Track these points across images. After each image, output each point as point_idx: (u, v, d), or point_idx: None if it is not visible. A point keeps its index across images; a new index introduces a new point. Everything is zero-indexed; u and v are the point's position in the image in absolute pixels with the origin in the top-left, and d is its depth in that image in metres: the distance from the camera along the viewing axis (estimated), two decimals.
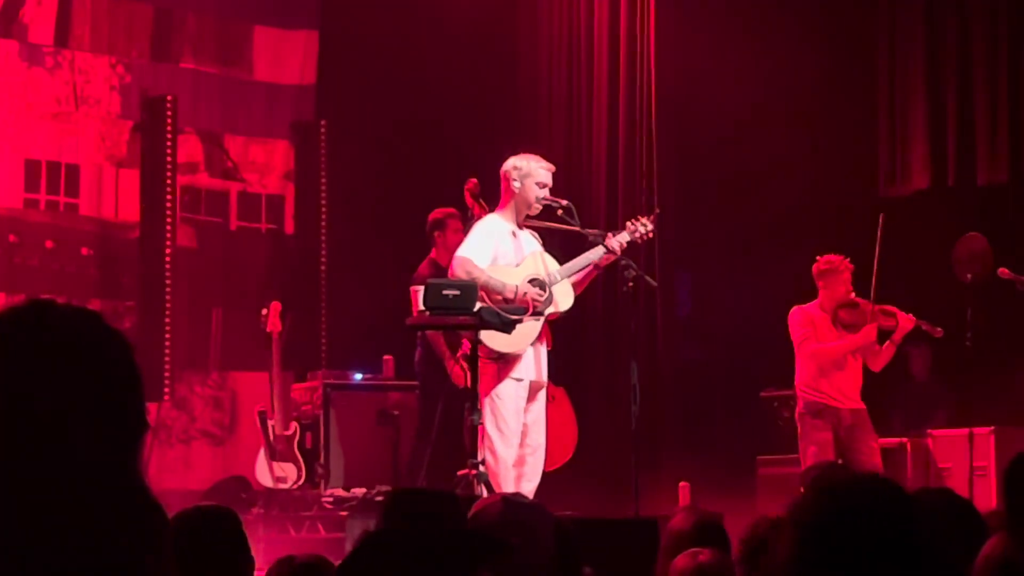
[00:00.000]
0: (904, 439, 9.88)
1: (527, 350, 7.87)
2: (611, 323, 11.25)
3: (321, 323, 11.92)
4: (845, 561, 2.01)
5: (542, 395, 8.01)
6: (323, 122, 12.22)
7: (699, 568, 3.83)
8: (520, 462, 7.86)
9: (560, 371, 9.33)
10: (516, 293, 7.80)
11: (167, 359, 10.85)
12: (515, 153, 8.18)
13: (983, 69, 10.65)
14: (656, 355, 11.18)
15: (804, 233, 10.45)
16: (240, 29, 12.30)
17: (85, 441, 1.87)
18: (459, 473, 8.21)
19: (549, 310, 7.98)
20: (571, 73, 11.97)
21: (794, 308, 9.10)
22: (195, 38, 12.05)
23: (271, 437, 10.24)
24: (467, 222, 8.60)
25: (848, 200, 10.54)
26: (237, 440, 11.77)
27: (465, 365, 7.97)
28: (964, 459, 9.40)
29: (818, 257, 9.11)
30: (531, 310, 7.80)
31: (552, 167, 8.13)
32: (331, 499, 10.10)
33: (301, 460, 10.25)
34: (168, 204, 11.04)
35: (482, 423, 7.69)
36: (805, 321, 9.02)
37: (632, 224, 8.34)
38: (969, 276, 9.62)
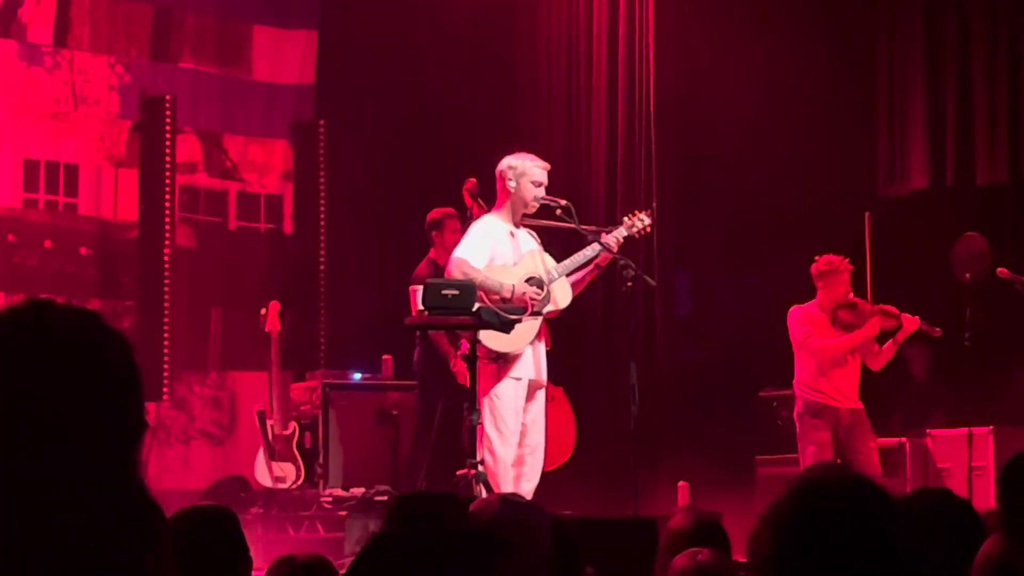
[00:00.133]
0: (903, 439, 9.89)
1: (526, 349, 7.87)
2: (610, 323, 11.25)
3: (320, 323, 11.92)
4: (820, 562, 2.01)
5: (541, 394, 8.01)
6: (322, 122, 12.22)
7: (699, 568, 3.83)
8: (519, 462, 7.86)
9: (559, 371, 9.33)
10: (513, 293, 7.80)
11: (166, 359, 10.85)
12: (513, 152, 8.18)
13: (982, 69, 10.65)
14: (655, 355, 11.18)
15: (803, 233, 10.45)
16: (239, 29, 12.31)
17: (84, 441, 1.87)
18: (458, 473, 8.22)
19: (548, 308, 7.98)
20: (570, 72, 11.97)
21: (793, 308, 9.10)
22: (194, 38, 12.05)
23: (270, 437, 10.24)
24: (465, 222, 8.60)
25: (847, 200, 10.53)
26: (236, 440, 11.77)
27: (464, 364, 7.97)
28: (963, 459, 9.40)
29: (817, 257, 9.11)
30: (530, 309, 7.80)
31: (547, 165, 8.12)
32: (330, 499, 10.10)
33: (300, 460, 10.25)
34: (167, 204, 11.04)
35: (481, 423, 7.69)
36: (805, 320, 9.02)
37: (629, 219, 8.33)
38: (968, 276, 9.62)
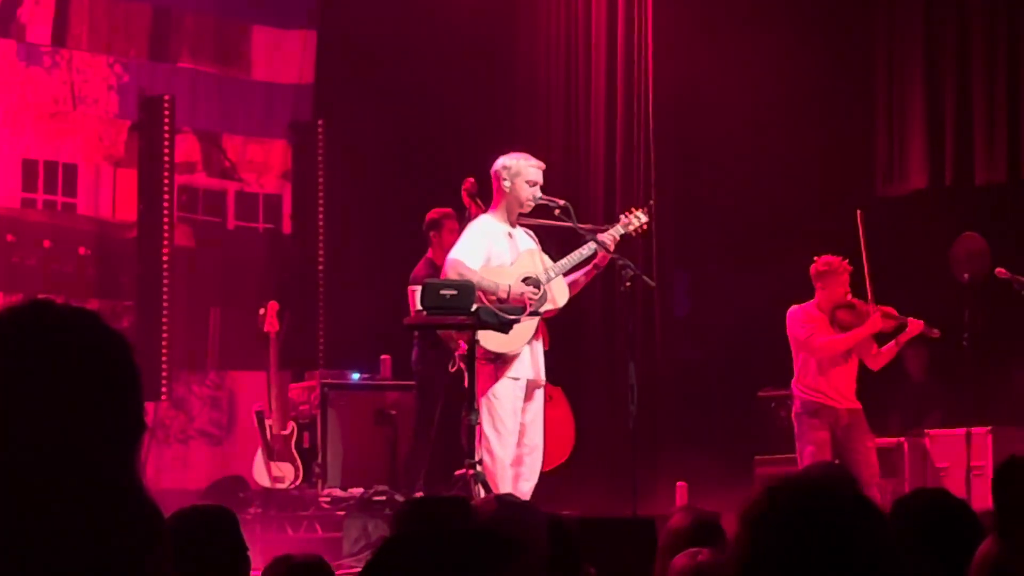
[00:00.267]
0: (901, 439, 9.89)
1: (523, 349, 7.87)
2: (609, 323, 11.25)
3: (319, 323, 11.92)
4: (793, 561, 2.01)
5: (539, 394, 8.00)
6: (321, 122, 12.21)
7: (698, 568, 3.83)
8: (518, 462, 7.86)
9: (558, 371, 9.33)
10: (509, 293, 7.80)
11: (165, 359, 10.84)
12: (509, 152, 8.17)
13: (981, 69, 10.66)
14: (654, 355, 11.18)
15: (802, 233, 10.45)
16: (238, 29, 12.30)
17: (84, 441, 1.87)
18: (456, 473, 8.21)
19: (546, 307, 7.98)
20: (569, 72, 11.97)
21: (792, 308, 9.10)
22: (193, 38, 12.04)
23: (269, 437, 10.24)
24: (464, 222, 8.59)
25: (846, 200, 10.53)
26: (235, 440, 11.77)
27: (463, 365, 7.97)
28: (961, 459, 9.41)
29: (816, 258, 9.11)
30: (528, 309, 7.80)
31: (542, 165, 8.11)
32: (328, 499, 10.10)
33: (298, 460, 10.25)
34: (166, 204, 11.03)
35: (479, 423, 7.69)
36: (806, 319, 9.02)
37: (625, 217, 8.33)
38: (967, 276, 9.63)
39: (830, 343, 8.94)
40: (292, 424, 10.38)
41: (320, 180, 12.08)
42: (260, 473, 10.19)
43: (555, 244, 8.41)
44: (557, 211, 8.01)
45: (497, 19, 12.01)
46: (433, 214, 9.77)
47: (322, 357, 11.75)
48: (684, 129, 11.45)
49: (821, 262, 9.05)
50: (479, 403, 7.73)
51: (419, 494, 9.56)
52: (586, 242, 8.08)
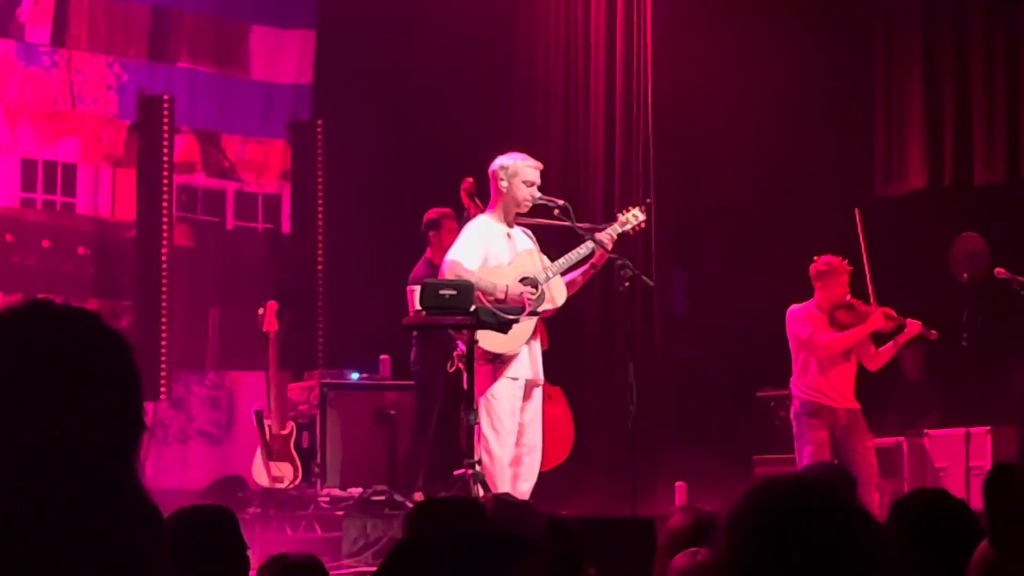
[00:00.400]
0: (900, 439, 9.89)
1: (521, 349, 7.87)
2: (608, 323, 11.25)
3: (318, 322, 11.92)
4: (773, 563, 2.01)
5: (538, 394, 8.01)
6: (320, 121, 12.21)
7: (698, 568, 3.83)
8: (516, 461, 7.86)
9: (557, 370, 9.33)
10: (507, 293, 7.80)
11: (164, 358, 10.84)
12: (507, 152, 8.17)
13: (980, 69, 10.66)
14: (653, 355, 11.18)
15: (801, 233, 10.45)
16: (237, 29, 12.30)
17: (83, 441, 1.87)
18: (456, 473, 8.21)
19: (545, 307, 7.98)
20: (568, 72, 11.97)
21: (792, 307, 9.10)
22: (192, 37, 12.04)
23: (268, 436, 10.24)
24: (463, 222, 8.59)
25: (845, 200, 10.53)
26: (234, 439, 11.77)
27: (461, 366, 7.97)
28: (960, 459, 9.41)
29: (816, 257, 9.10)
30: (527, 309, 7.80)
31: (540, 165, 8.12)
32: (328, 499, 10.10)
33: (298, 460, 10.25)
34: (165, 203, 11.03)
35: (478, 423, 7.69)
36: (807, 317, 9.02)
37: (623, 215, 8.33)
38: (966, 276, 9.64)
39: (833, 341, 8.94)
40: (291, 424, 10.38)
41: (319, 180, 12.08)
42: (259, 473, 10.19)
43: (554, 244, 8.42)
44: (556, 211, 8.02)
45: (496, 19, 12.00)
46: (432, 214, 9.77)
47: (321, 357, 11.75)
48: (683, 129, 11.45)
49: (821, 262, 9.05)
50: (477, 403, 7.73)
51: (418, 494, 9.58)
52: (584, 241, 8.08)
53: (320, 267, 11.99)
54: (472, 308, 7.55)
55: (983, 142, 10.63)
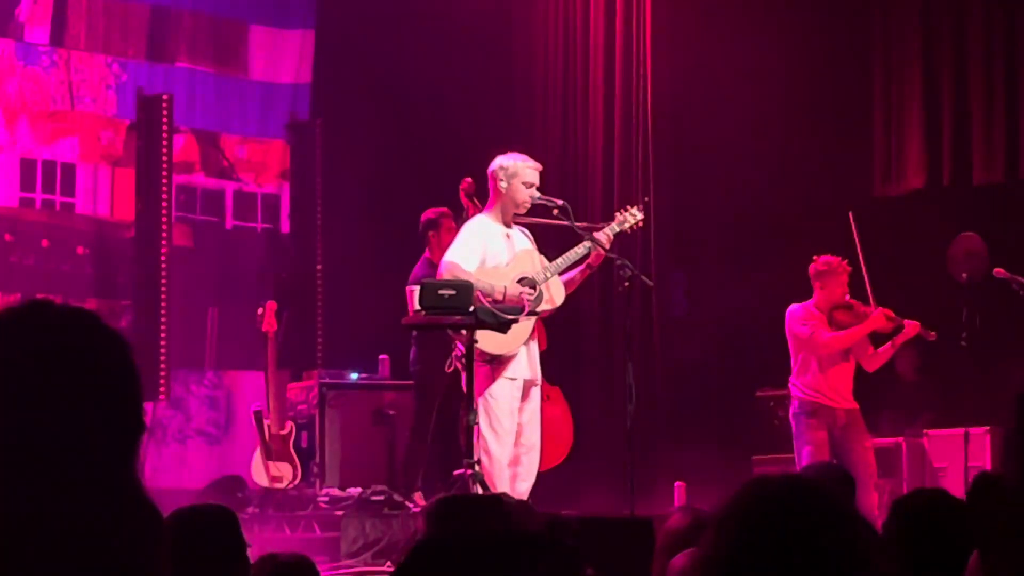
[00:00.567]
0: (900, 439, 9.89)
1: (520, 349, 7.88)
2: (607, 322, 11.26)
3: (317, 322, 11.91)
4: (763, 561, 2.00)
5: (536, 393, 8.01)
6: (319, 121, 12.21)
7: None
8: (515, 461, 7.87)
9: (556, 370, 9.33)
10: (505, 294, 7.80)
11: (163, 358, 10.83)
12: (507, 152, 8.17)
13: (979, 69, 10.66)
14: (652, 354, 11.18)
15: (800, 233, 10.45)
16: (236, 28, 12.30)
17: (82, 441, 1.87)
18: (455, 473, 8.22)
19: (543, 307, 7.99)
20: (567, 71, 11.97)
21: (792, 307, 9.09)
22: (191, 37, 12.04)
23: (267, 436, 10.24)
24: (461, 222, 8.59)
25: (844, 200, 10.53)
26: (233, 439, 11.77)
27: (459, 366, 7.97)
28: (959, 459, 9.41)
29: (815, 257, 9.10)
30: (526, 309, 7.80)
31: (539, 166, 8.12)
32: (327, 498, 10.10)
33: (297, 459, 10.25)
34: (164, 203, 11.03)
35: (477, 423, 7.69)
36: (806, 317, 9.02)
37: (620, 214, 8.33)
38: (965, 276, 9.64)
39: (834, 340, 8.94)
40: (290, 424, 10.38)
41: (318, 180, 12.07)
42: (258, 473, 10.19)
43: (553, 244, 8.41)
44: (555, 211, 8.02)
45: (495, 18, 12.01)
46: (430, 214, 9.77)
47: (320, 357, 11.75)
48: (682, 129, 11.45)
49: (820, 262, 9.05)
50: (476, 403, 7.73)
51: (417, 494, 9.59)
52: (583, 241, 8.09)
53: (319, 267, 11.99)
54: (471, 308, 7.55)
55: (982, 142, 10.64)
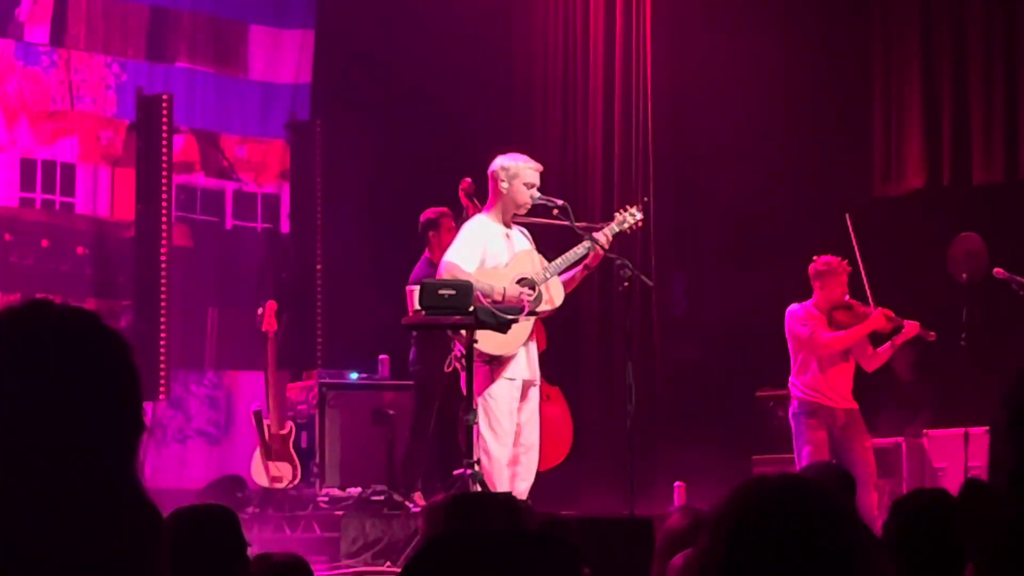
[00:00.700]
0: (899, 439, 9.89)
1: (519, 350, 7.88)
2: (607, 322, 11.26)
3: (317, 322, 11.92)
4: (759, 561, 2.00)
5: (534, 393, 8.01)
6: (319, 121, 12.21)
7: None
8: (514, 461, 7.87)
9: (556, 370, 9.33)
10: (504, 295, 7.80)
11: (163, 358, 10.83)
12: (507, 152, 8.17)
13: (979, 69, 10.66)
14: (652, 354, 11.18)
15: (799, 233, 10.46)
16: (236, 28, 12.30)
17: (82, 441, 1.87)
18: (455, 473, 8.22)
19: (543, 307, 7.99)
20: (567, 71, 11.97)
21: (792, 307, 9.09)
22: (191, 37, 12.04)
23: (267, 436, 10.24)
24: (461, 221, 8.59)
25: (844, 200, 10.54)
26: (233, 439, 11.77)
27: (458, 366, 7.97)
28: (959, 459, 9.41)
29: (815, 257, 9.10)
30: (525, 310, 7.80)
31: (540, 167, 8.13)
32: (327, 498, 10.10)
33: (296, 459, 10.25)
34: (164, 203, 11.03)
35: (476, 423, 7.69)
36: (806, 317, 9.02)
37: (620, 214, 8.34)
38: (964, 276, 9.64)
39: (834, 339, 8.94)
40: (290, 424, 10.38)
41: (318, 180, 12.08)
42: (258, 473, 10.19)
43: (553, 244, 8.41)
44: (555, 211, 8.02)
45: (495, 18, 12.00)
46: (429, 214, 9.77)
47: (320, 357, 11.75)
48: (682, 129, 11.46)
49: (820, 262, 9.05)
50: (476, 403, 7.73)
51: (417, 494, 9.59)
52: (582, 241, 8.08)
53: (319, 267, 11.99)
54: (471, 308, 7.55)
55: (981, 142, 10.64)
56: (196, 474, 11.34)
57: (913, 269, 10.45)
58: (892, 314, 9.01)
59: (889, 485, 9.46)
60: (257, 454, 10.22)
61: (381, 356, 10.92)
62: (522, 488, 7.79)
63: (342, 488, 10.18)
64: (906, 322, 8.98)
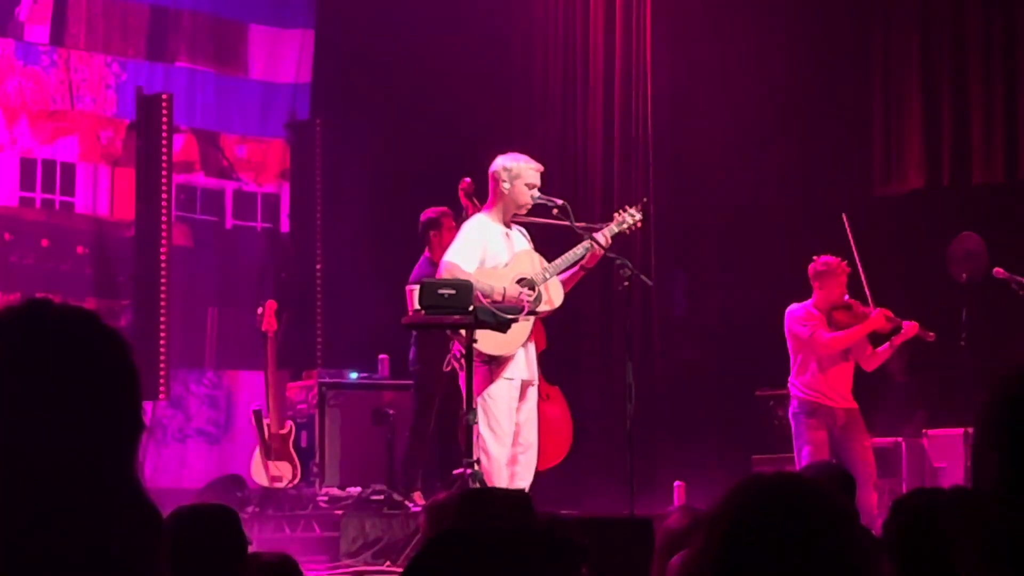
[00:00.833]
0: (899, 438, 9.89)
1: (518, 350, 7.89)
2: (606, 322, 11.26)
3: (316, 322, 11.92)
4: (756, 560, 2.00)
5: (532, 393, 8.02)
6: (319, 121, 12.21)
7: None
8: (513, 461, 7.88)
9: (555, 370, 9.33)
10: (504, 295, 7.80)
11: (162, 358, 10.83)
12: (507, 152, 8.17)
13: (978, 68, 10.67)
14: (651, 354, 11.18)
15: (799, 232, 10.46)
16: (236, 28, 12.30)
17: (81, 441, 1.87)
18: (454, 472, 8.22)
19: (542, 308, 7.99)
20: (567, 71, 11.97)
21: (791, 307, 9.10)
22: (191, 37, 12.04)
23: (266, 436, 10.24)
24: (460, 221, 8.59)
25: (844, 200, 10.55)
26: (232, 439, 11.77)
27: (456, 365, 7.98)
28: (959, 459, 9.41)
29: (815, 257, 9.10)
30: (525, 309, 7.81)
31: (540, 167, 8.13)
32: (326, 498, 10.10)
33: (296, 459, 10.25)
34: (164, 203, 11.02)
35: (476, 423, 7.70)
36: (806, 317, 9.02)
37: (619, 215, 8.34)
38: (964, 275, 9.64)
39: (834, 340, 8.94)
40: (290, 423, 10.38)
41: (318, 179, 12.08)
42: (258, 472, 10.19)
43: (552, 244, 8.41)
44: (555, 211, 8.02)
45: (495, 18, 12.00)
46: (430, 213, 9.77)
47: (320, 356, 11.75)
48: (682, 129, 11.45)
49: (820, 262, 9.05)
50: (474, 403, 7.73)
51: (417, 493, 9.59)
52: (582, 241, 8.08)
53: (319, 266, 12.00)
54: (471, 308, 7.55)
55: (981, 142, 10.64)
56: (196, 474, 11.34)
57: (913, 269, 10.46)
58: (892, 314, 9.01)
59: (889, 485, 9.45)
60: (257, 453, 10.22)
61: (381, 356, 10.92)
62: (521, 488, 7.79)
63: (342, 488, 10.18)
64: (905, 322, 8.98)
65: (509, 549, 1.93)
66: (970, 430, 9.39)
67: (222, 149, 12.20)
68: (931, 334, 9.07)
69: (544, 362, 8.19)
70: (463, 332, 7.67)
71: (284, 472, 10.19)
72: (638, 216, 8.34)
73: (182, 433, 11.71)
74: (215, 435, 11.89)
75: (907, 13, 10.99)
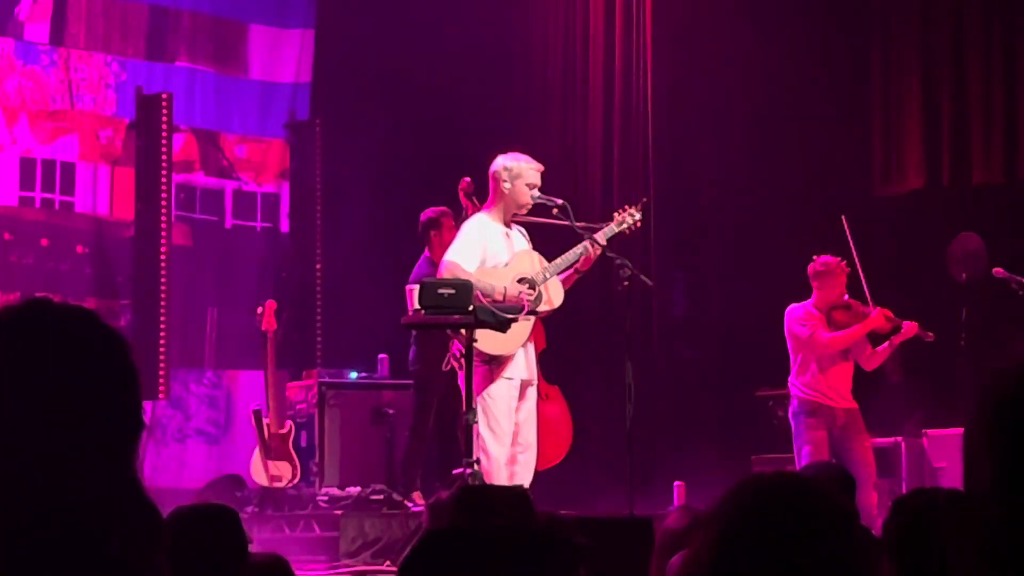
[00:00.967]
0: (899, 438, 9.89)
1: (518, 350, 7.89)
2: (606, 322, 11.25)
3: (316, 322, 11.92)
4: (755, 559, 2.00)
5: (532, 393, 8.02)
6: (318, 121, 12.21)
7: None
8: (512, 461, 7.88)
9: (555, 370, 9.33)
10: (505, 295, 7.80)
11: (162, 357, 10.83)
12: (507, 151, 8.17)
13: (978, 69, 10.67)
14: (651, 354, 11.18)
15: (799, 233, 10.46)
16: (236, 27, 12.30)
17: (81, 440, 1.87)
18: (454, 472, 8.22)
19: (542, 308, 7.99)
20: (567, 70, 11.97)
21: (791, 307, 9.10)
22: (190, 36, 12.04)
23: (266, 436, 10.24)
24: (460, 221, 8.59)
25: (843, 200, 10.54)
26: (232, 439, 11.77)
27: (456, 365, 7.98)
28: (959, 459, 9.33)
29: (814, 257, 9.10)
30: (525, 309, 7.81)
31: (541, 167, 8.13)
32: (326, 498, 10.10)
33: (296, 459, 10.25)
34: (163, 202, 11.02)
35: (475, 423, 7.70)
36: (806, 317, 9.02)
37: (619, 215, 8.34)
38: (964, 276, 9.64)
39: (834, 339, 8.94)
40: (290, 423, 10.38)
41: (318, 179, 12.08)
42: (258, 472, 10.19)
43: (551, 244, 8.41)
44: (555, 210, 8.02)
45: (495, 18, 12.00)
46: (431, 213, 9.77)
47: (320, 356, 11.75)
48: (681, 129, 11.45)
49: (819, 262, 9.05)
50: (475, 403, 7.74)
51: (416, 493, 9.59)
52: (582, 241, 8.09)
53: (319, 266, 12.00)
54: (471, 308, 7.55)
55: (981, 142, 10.64)
56: (195, 474, 11.34)
57: (912, 269, 10.45)
58: (891, 314, 9.01)
59: (888, 485, 9.45)
60: (257, 453, 10.22)
61: (381, 355, 10.92)
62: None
63: (341, 487, 10.18)
64: (905, 322, 8.98)
65: (504, 547, 1.93)
66: None
67: (222, 149, 12.20)
68: (930, 334, 9.07)
69: (544, 362, 8.19)
70: (463, 332, 7.67)
71: (284, 472, 10.19)
72: (638, 216, 8.34)
73: (182, 433, 11.71)
74: (215, 435, 11.89)
75: (907, 14, 10.99)
